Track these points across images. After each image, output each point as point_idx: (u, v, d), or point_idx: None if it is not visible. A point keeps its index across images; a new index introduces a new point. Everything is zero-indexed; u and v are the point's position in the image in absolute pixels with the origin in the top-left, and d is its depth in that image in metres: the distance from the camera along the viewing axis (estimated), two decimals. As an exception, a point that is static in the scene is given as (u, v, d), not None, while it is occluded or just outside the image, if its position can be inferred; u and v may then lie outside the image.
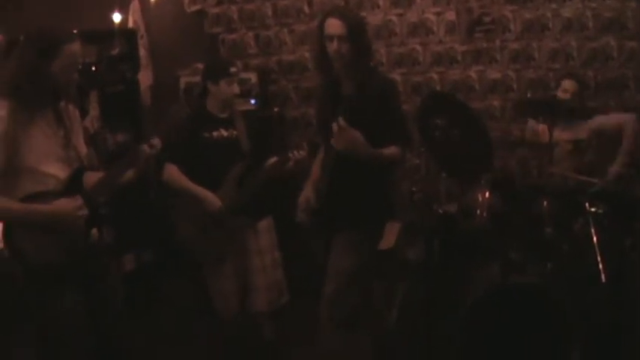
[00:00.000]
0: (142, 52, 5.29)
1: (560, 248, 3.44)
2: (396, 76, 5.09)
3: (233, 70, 3.55)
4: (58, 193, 2.52)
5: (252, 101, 5.07)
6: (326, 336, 3.10)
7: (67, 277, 2.54)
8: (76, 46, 2.51)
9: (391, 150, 2.99)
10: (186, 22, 5.48)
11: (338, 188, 3.06)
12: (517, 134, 4.42)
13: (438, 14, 5.09)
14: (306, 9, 5.33)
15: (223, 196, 3.43)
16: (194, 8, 5.49)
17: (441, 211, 3.90)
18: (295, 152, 3.40)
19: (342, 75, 3.04)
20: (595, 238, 3.27)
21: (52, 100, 2.57)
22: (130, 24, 5.29)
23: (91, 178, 2.67)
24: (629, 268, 3.37)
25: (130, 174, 2.73)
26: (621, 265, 3.37)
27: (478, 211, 3.61)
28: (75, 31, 2.56)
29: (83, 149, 2.74)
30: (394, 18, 5.16)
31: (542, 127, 4.04)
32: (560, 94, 4.17)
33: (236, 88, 3.56)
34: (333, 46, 2.93)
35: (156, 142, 2.71)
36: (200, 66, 4.42)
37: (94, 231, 2.65)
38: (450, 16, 5.06)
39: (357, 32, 2.94)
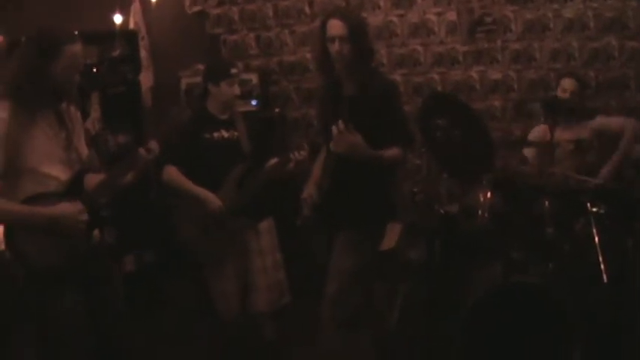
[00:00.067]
0: (143, 53, 5.30)
1: (561, 248, 3.43)
2: (397, 76, 5.09)
3: (234, 71, 3.55)
4: (59, 195, 2.53)
5: (253, 102, 5.07)
6: (327, 336, 3.11)
7: (67, 278, 2.54)
8: (77, 47, 2.51)
9: (392, 151, 2.99)
10: (187, 23, 5.48)
11: (339, 188, 3.07)
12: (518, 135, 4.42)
13: (439, 15, 5.09)
14: (307, 10, 5.33)
15: (224, 197, 3.43)
16: (195, 9, 5.49)
17: (442, 211, 3.89)
18: (296, 153, 3.40)
19: (343, 76, 3.04)
20: (596, 238, 3.27)
21: (53, 102, 2.57)
22: (131, 25, 5.29)
23: (92, 179, 2.67)
24: (630, 269, 3.37)
25: (129, 177, 2.73)
26: (623, 265, 3.36)
27: (479, 212, 3.61)
28: (76, 32, 2.57)
29: (84, 150, 2.74)
30: (395, 19, 5.16)
31: (543, 127, 4.04)
32: (559, 93, 4.17)
33: (237, 89, 3.56)
34: (334, 47, 2.94)
35: (153, 146, 2.71)
36: (201, 67, 4.42)
37: (96, 232, 2.66)
38: (451, 16, 5.06)
39: (358, 33, 2.95)
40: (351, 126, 2.85)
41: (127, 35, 5.18)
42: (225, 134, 3.56)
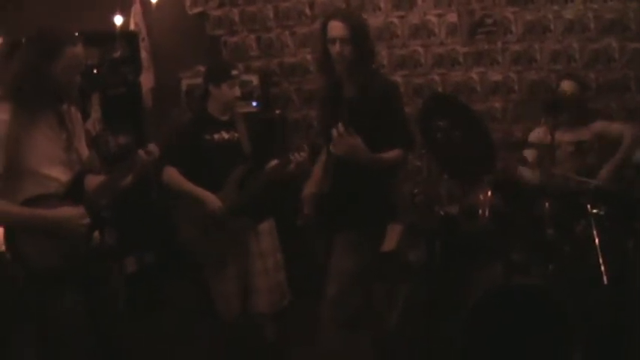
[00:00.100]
0: (144, 54, 5.30)
1: (561, 249, 3.43)
2: (398, 78, 5.09)
3: (235, 72, 3.55)
4: (59, 196, 2.53)
5: (254, 103, 5.07)
6: (327, 336, 3.11)
7: (67, 278, 2.54)
8: (78, 48, 2.51)
9: (392, 153, 2.99)
10: (188, 25, 5.49)
11: (340, 190, 3.07)
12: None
13: (439, 16, 5.09)
14: (307, 11, 5.33)
15: (224, 198, 3.43)
16: (196, 10, 5.50)
17: (442, 212, 3.90)
18: (296, 154, 3.40)
19: (344, 77, 3.04)
20: (597, 240, 3.27)
21: (53, 103, 2.58)
22: (132, 26, 5.30)
23: (93, 181, 2.67)
24: (630, 270, 3.37)
25: (129, 179, 2.73)
26: (623, 266, 3.36)
27: (480, 213, 3.61)
28: (77, 33, 2.57)
29: (85, 152, 2.75)
30: (396, 20, 5.16)
31: (543, 129, 4.05)
32: (560, 94, 4.17)
33: (237, 91, 3.57)
34: (335, 49, 2.94)
35: (153, 148, 2.71)
36: (202, 68, 4.42)
37: (96, 234, 2.65)
38: (452, 17, 5.05)
39: (359, 35, 2.95)
40: (351, 129, 2.85)
41: (128, 36, 5.18)
42: (226, 135, 3.56)
